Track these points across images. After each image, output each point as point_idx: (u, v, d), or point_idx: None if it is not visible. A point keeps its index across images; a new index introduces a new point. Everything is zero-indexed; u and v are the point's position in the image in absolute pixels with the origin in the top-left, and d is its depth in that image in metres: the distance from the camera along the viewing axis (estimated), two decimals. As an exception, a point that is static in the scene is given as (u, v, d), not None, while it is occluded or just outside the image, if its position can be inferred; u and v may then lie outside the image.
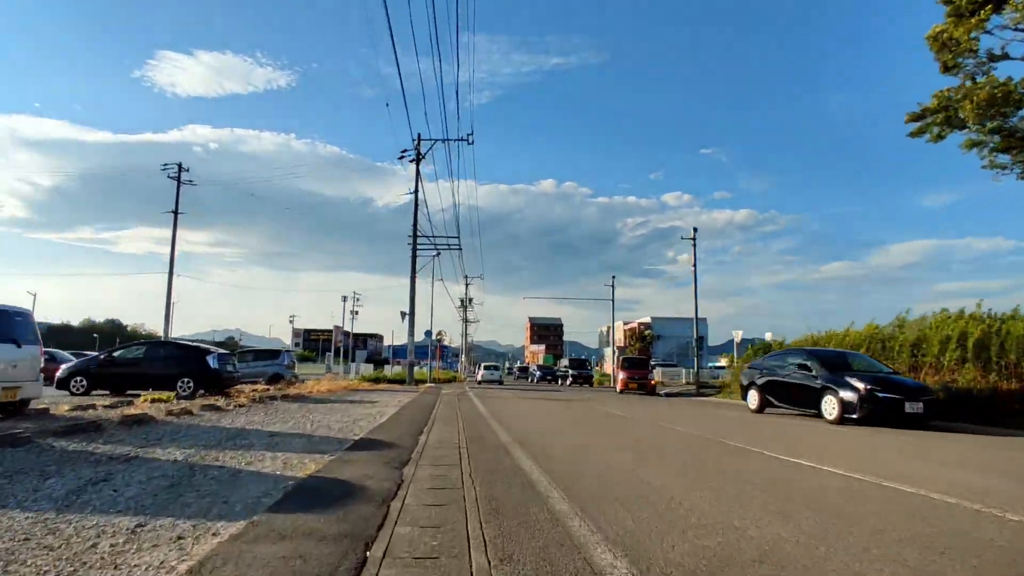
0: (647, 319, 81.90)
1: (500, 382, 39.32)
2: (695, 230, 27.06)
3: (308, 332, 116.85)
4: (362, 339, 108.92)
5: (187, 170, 36.27)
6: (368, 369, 44.51)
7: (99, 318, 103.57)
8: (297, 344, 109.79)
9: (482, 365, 46.06)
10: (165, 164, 35.83)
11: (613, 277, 40.50)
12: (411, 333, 29.29)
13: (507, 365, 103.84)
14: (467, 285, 62.96)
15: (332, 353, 29.65)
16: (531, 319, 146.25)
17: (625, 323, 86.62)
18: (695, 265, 27.07)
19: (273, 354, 23.06)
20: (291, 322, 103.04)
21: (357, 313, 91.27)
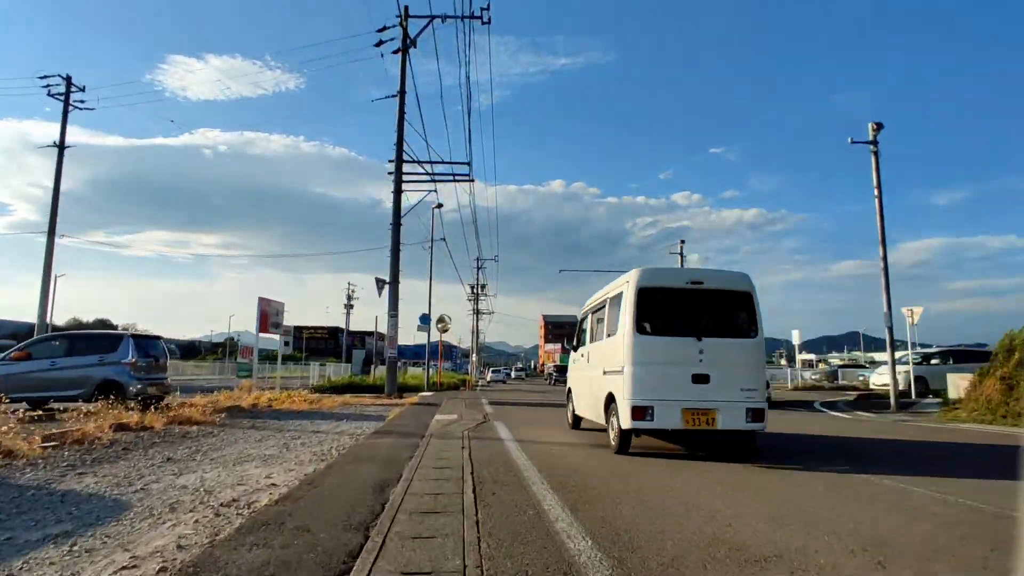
0: None
1: (503, 381, 49.14)
2: (877, 126, 15.54)
3: (298, 330, 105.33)
4: (359, 337, 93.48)
5: (82, 88, 25.26)
6: (359, 372, 33.52)
7: (90, 317, 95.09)
8: (287, 344, 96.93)
9: (490, 369, 61.72)
10: (44, 76, 24.84)
11: (682, 242, 29.11)
12: (393, 308, 18.09)
13: (519, 367, 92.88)
14: (479, 268, 51.77)
15: (257, 344, 17.95)
16: (545, 317, 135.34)
17: (670, 312, 76.83)
18: (878, 187, 15.65)
19: (104, 344, 11.77)
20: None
21: (352, 307, 77.14)
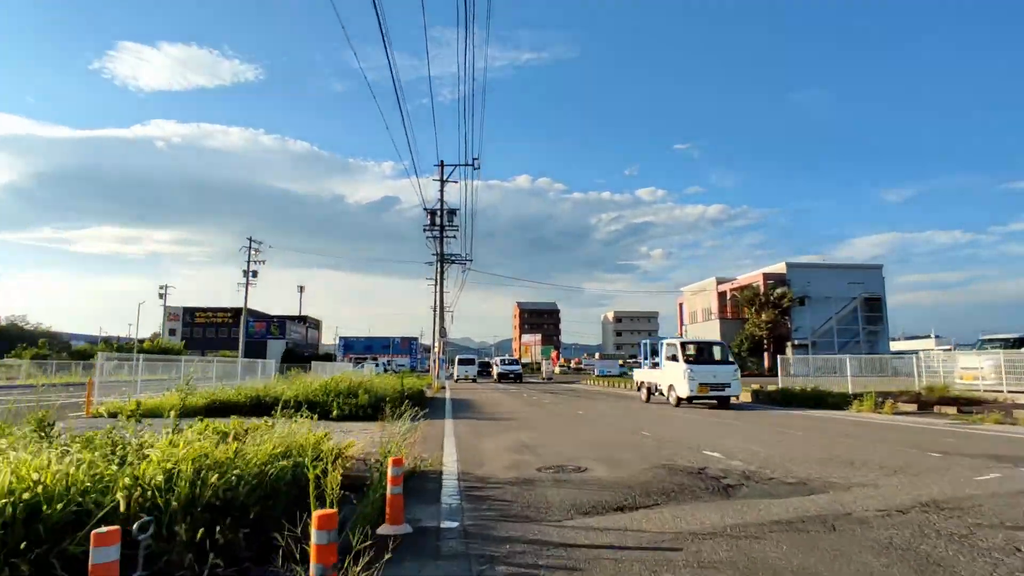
0: (779, 267, 48.05)
1: (474, 380, 40.76)
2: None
3: (191, 312, 71.77)
4: (277, 322, 70.60)
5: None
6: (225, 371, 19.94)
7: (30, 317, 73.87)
8: (174, 331, 68.82)
9: (457, 363, 43.86)
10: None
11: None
12: None
13: (485, 361, 66.32)
14: (443, 189, 30.58)
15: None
16: (520, 304, 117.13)
17: (720, 281, 54.11)
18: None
19: None
20: (160, 295, 56.57)
21: (256, 274, 42.26)
